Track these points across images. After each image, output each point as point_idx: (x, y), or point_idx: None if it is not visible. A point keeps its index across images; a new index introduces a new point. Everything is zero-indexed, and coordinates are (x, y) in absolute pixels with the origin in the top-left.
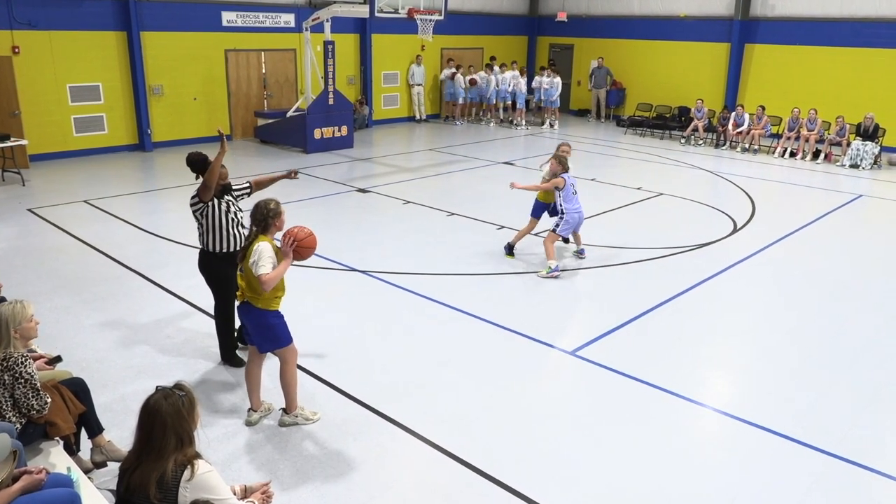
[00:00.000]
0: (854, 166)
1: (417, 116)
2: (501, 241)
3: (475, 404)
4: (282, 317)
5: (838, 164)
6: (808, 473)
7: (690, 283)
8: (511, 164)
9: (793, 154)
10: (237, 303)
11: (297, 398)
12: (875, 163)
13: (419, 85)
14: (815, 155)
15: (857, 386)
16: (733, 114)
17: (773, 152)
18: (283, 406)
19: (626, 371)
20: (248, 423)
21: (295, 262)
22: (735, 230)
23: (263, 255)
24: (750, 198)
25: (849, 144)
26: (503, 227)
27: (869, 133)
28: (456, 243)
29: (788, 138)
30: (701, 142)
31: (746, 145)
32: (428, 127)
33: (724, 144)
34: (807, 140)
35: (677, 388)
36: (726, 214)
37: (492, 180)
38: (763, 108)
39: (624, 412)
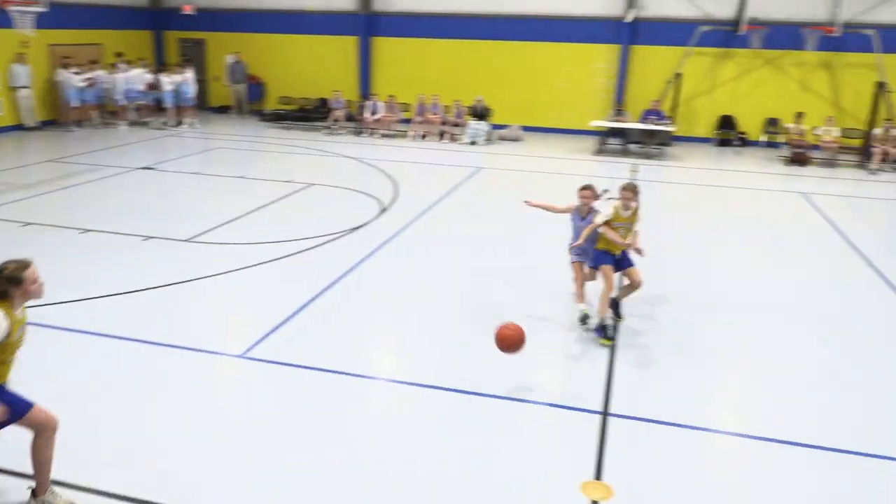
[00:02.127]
0: (473, 143)
1: (29, 124)
2: (147, 252)
3: (143, 432)
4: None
5: (460, 142)
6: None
7: (348, 266)
8: (152, 169)
9: (423, 136)
10: None
11: (48, 478)
12: (488, 139)
13: (25, 87)
14: (441, 136)
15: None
16: (369, 103)
17: (407, 136)
18: (33, 486)
19: (300, 362)
20: None
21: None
22: (383, 211)
23: None
24: (392, 179)
25: (466, 125)
26: (150, 237)
27: (480, 114)
28: (96, 262)
29: (418, 122)
30: (343, 131)
31: (383, 131)
32: (44, 136)
33: (364, 132)
34: (432, 123)
35: (355, 369)
36: (373, 197)
37: (133, 189)
38: (392, 97)
39: (307, 404)
